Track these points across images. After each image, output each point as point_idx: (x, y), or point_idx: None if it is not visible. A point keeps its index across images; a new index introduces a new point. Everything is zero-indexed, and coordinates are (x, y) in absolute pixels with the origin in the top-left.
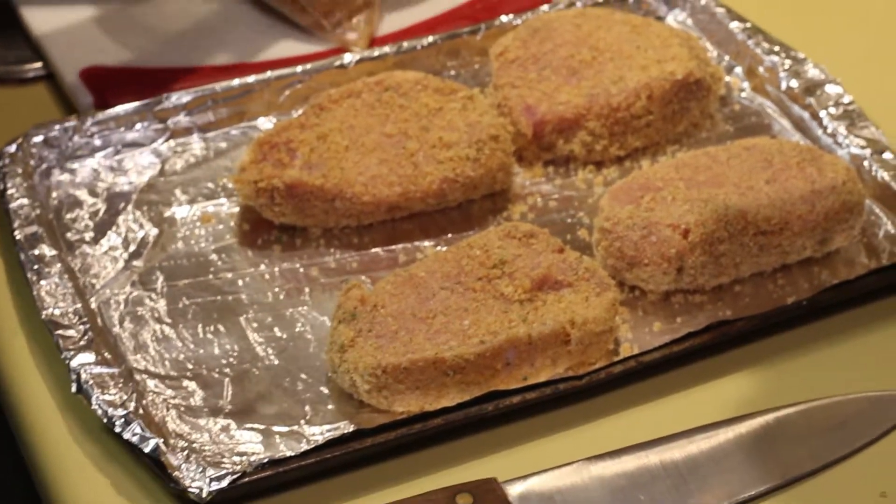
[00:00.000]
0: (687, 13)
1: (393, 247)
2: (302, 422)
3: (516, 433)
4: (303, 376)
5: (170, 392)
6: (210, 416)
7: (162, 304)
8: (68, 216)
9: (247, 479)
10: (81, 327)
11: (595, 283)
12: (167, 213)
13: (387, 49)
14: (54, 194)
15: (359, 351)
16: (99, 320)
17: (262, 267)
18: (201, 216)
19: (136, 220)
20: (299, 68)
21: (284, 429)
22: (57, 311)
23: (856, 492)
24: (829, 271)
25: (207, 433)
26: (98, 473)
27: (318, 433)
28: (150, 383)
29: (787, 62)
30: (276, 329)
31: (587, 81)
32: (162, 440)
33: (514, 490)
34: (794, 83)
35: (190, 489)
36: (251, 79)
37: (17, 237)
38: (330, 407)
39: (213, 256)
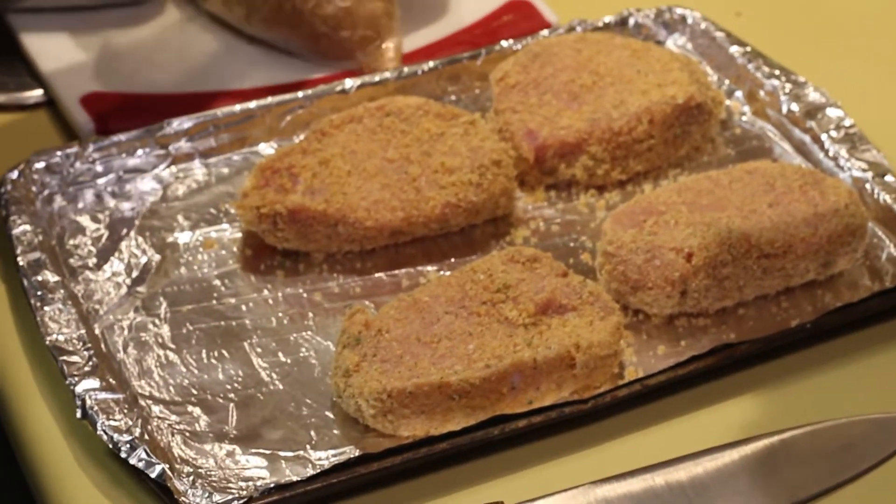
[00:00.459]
0: (686, 37)
1: (396, 272)
2: (307, 446)
3: (522, 457)
4: (307, 401)
5: (175, 417)
6: (215, 442)
7: (165, 330)
8: (71, 242)
9: None
10: (86, 353)
11: (599, 307)
12: (170, 239)
13: (387, 74)
14: (57, 220)
15: (364, 376)
16: (103, 346)
17: (266, 292)
18: (204, 242)
19: (139, 246)
20: (300, 94)
21: (290, 454)
22: (61, 337)
23: None
24: (833, 294)
25: (213, 458)
26: (103, 499)
27: (323, 458)
28: (155, 409)
29: (788, 86)
30: (280, 354)
31: (588, 106)
32: (168, 465)
33: None
34: (795, 107)
35: None
36: (252, 104)
37: (20, 263)
38: (335, 431)
39: (217, 282)
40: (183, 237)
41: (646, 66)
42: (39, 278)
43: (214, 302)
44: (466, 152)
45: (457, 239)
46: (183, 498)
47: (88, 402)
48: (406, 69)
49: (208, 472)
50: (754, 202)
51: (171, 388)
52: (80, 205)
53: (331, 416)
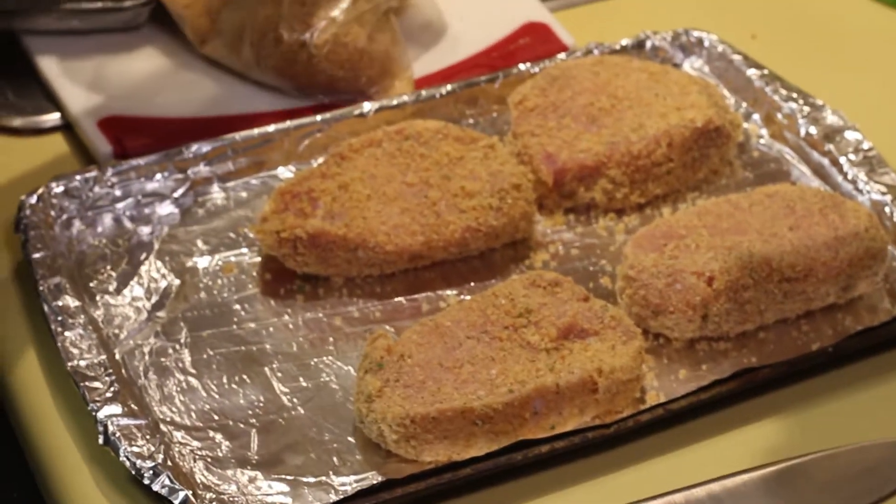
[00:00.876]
0: (703, 60)
1: (416, 296)
2: (330, 472)
3: (545, 482)
4: (329, 426)
5: (196, 443)
6: (237, 467)
7: (186, 355)
8: (90, 267)
9: None
10: (107, 379)
11: (621, 332)
12: (189, 264)
13: (405, 98)
14: (76, 245)
15: (386, 401)
16: (123, 371)
17: (286, 317)
18: (223, 266)
19: (158, 271)
20: (318, 117)
21: (312, 479)
22: (82, 363)
23: None
24: (853, 317)
25: (235, 484)
26: None
27: (346, 483)
28: (177, 434)
29: (806, 108)
30: (301, 379)
31: (607, 129)
32: (191, 492)
33: None
34: (813, 129)
35: None
36: (271, 128)
37: (41, 288)
38: (357, 457)
39: (236, 306)
40: (202, 262)
41: (664, 89)
42: (60, 303)
43: (234, 327)
44: (486, 176)
45: (476, 263)
46: None
47: (111, 428)
48: (424, 92)
49: (231, 499)
50: (775, 226)
51: (193, 414)
52: (99, 229)
53: (353, 441)
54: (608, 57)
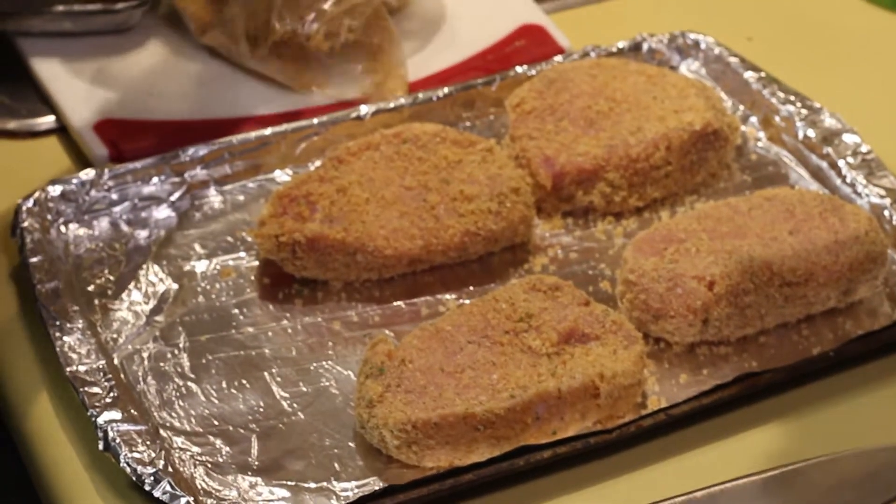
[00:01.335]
0: (700, 63)
1: (415, 300)
2: (331, 478)
3: (547, 487)
4: (330, 431)
5: (196, 449)
6: (238, 473)
7: (185, 360)
8: (88, 271)
9: None
10: (106, 384)
11: (622, 336)
12: (187, 268)
13: (402, 101)
14: (72, 249)
15: (388, 406)
16: (122, 376)
17: (285, 321)
18: (221, 270)
19: (156, 275)
20: (315, 120)
21: (313, 485)
22: (82, 368)
23: None
24: (853, 321)
25: (236, 490)
26: None
27: (347, 489)
28: (177, 440)
29: (804, 111)
30: (301, 384)
31: (605, 132)
32: (192, 498)
33: None
34: (811, 132)
35: None
36: (268, 131)
37: (38, 293)
38: (359, 462)
39: (235, 311)
40: (200, 266)
41: (662, 92)
42: (57, 308)
43: (233, 331)
44: (485, 180)
45: (475, 267)
46: None
47: (111, 433)
48: (420, 95)
49: None
50: (775, 229)
51: (193, 419)
52: (96, 233)
53: (353, 446)
54: (605, 59)
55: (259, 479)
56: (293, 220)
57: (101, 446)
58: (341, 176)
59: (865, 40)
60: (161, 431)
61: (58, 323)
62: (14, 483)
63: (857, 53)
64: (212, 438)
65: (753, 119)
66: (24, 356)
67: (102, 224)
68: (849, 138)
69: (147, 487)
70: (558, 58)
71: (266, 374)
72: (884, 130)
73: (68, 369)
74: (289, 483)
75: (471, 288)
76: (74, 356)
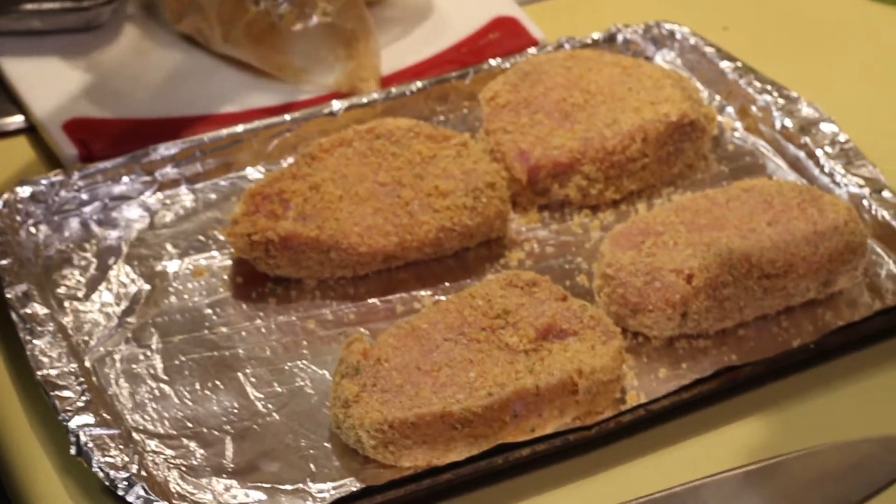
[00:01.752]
0: (675, 53)
1: (390, 297)
2: (307, 479)
3: (526, 485)
4: (305, 432)
5: (170, 452)
6: (213, 476)
7: (158, 361)
8: (58, 273)
9: None
10: (78, 387)
11: (600, 332)
12: (158, 268)
13: (375, 96)
14: (42, 250)
15: (364, 406)
16: (94, 379)
17: (258, 321)
18: (193, 270)
19: (128, 276)
20: (287, 116)
21: (289, 487)
22: (53, 372)
23: None
24: (833, 313)
25: (211, 493)
26: None
27: (324, 490)
28: (150, 443)
29: (780, 101)
30: (275, 384)
31: (580, 125)
32: (166, 502)
33: None
34: (789, 122)
35: None
36: (239, 128)
37: (8, 296)
38: (335, 463)
39: (208, 311)
40: (172, 265)
41: (637, 83)
42: (28, 311)
43: (206, 332)
44: (459, 175)
45: (450, 262)
46: None
47: (83, 438)
48: (393, 90)
49: None
50: (753, 221)
51: (166, 422)
52: (66, 234)
53: (329, 447)
54: (580, 51)
55: (234, 482)
56: (266, 219)
57: (73, 451)
58: (314, 173)
59: (842, 29)
60: (134, 435)
61: (28, 326)
62: None
63: (833, 42)
64: (185, 441)
65: (730, 109)
66: None
67: (73, 225)
68: (826, 127)
69: (120, 492)
70: (532, 50)
71: (240, 374)
72: (862, 119)
73: (39, 373)
74: (264, 485)
75: (446, 284)
76: (45, 360)
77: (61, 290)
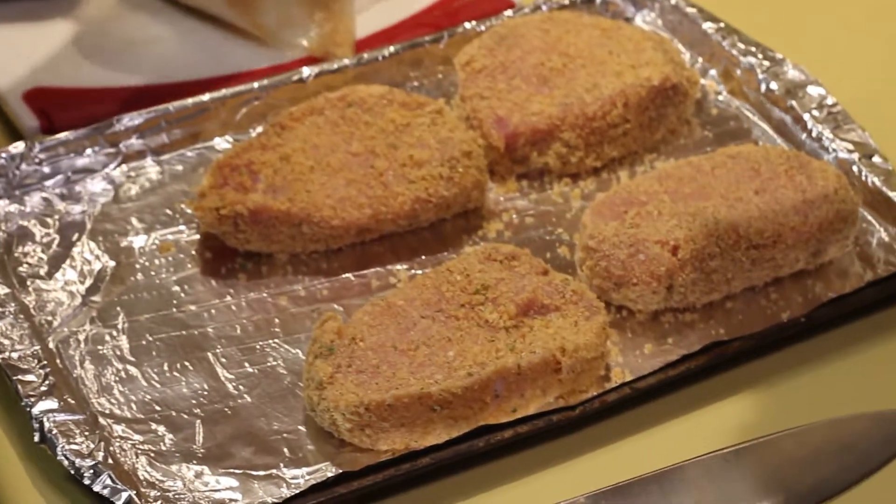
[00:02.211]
0: (656, 14)
1: (364, 271)
2: (280, 464)
3: (509, 468)
4: (278, 415)
5: (138, 437)
6: (182, 462)
7: (124, 342)
8: (19, 250)
9: None
10: (41, 371)
11: (583, 307)
12: (124, 243)
13: (346, 61)
14: (3, 226)
15: (339, 388)
16: (58, 361)
17: (228, 298)
18: (160, 245)
19: (92, 252)
20: (255, 84)
21: (262, 473)
22: (15, 355)
23: None
24: (823, 283)
25: (181, 480)
26: None
27: (298, 476)
28: (117, 428)
29: (765, 63)
30: (246, 364)
31: (560, 90)
32: (135, 492)
33: None
34: (774, 85)
35: None
36: (206, 97)
37: None
38: (309, 447)
39: (176, 288)
40: (138, 241)
41: (617, 46)
42: None
43: (174, 310)
44: (435, 144)
45: (426, 234)
46: None
47: (47, 424)
48: (366, 55)
49: (177, 496)
50: (740, 189)
51: (133, 406)
52: (28, 209)
53: (303, 430)
54: (557, 13)
55: (205, 468)
56: (235, 191)
57: (36, 438)
58: (284, 143)
59: None
60: (100, 419)
61: None
62: None
63: (819, 2)
64: (154, 425)
65: (713, 72)
66: None
67: (34, 199)
68: (813, 90)
69: (86, 481)
70: (508, 12)
71: (210, 354)
72: (850, 82)
73: (0, 356)
74: (236, 471)
75: (423, 257)
76: (7, 342)
77: (23, 268)
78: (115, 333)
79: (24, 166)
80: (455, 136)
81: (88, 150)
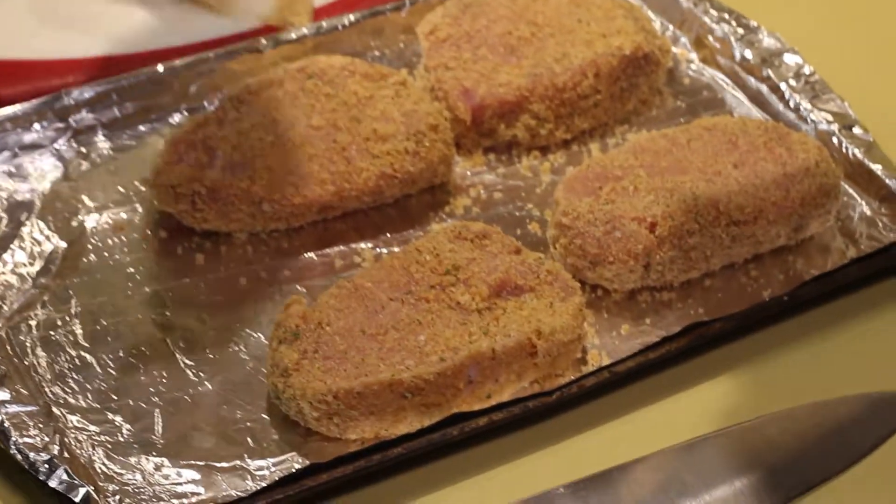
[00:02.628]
0: None
1: (327, 250)
2: (244, 455)
3: (484, 456)
4: (241, 402)
5: (94, 428)
6: (141, 454)
7: (77, 327)
8: None
9: None
10: None
11: (559, 287)
12: (75, 223)
13: (305, 31)
14: None
15: (305, 375)
16: (9, 349)
17: (186, 279)
18: (113, 225)
19: (42, 232)
20: (211, 54)
21: (225, 464)
22: None
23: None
24: (804, 259)
25: (140, 473)
26: None
27: (264, 467)
28: (72, 419)
29: (739, 31)
30: (207, 350)
31: (528, 60)
32: (92, 487)
33: None
34: (749, 53)
35: None
36: (159, 68)
37: None
38: (274, 437)
39: (130, 269)
40: (90, 220)
41: (587, 13)
42: None
43: (129, 292)
44: (400, 117)
45: (391, 211)
46: None
47: None
48: (325, 24)
49: (137, 490)
50: (718, 163)
51: (89, 394)
52: None
53: (267, 418)
54: None
55: (165, 460)
56: (191, 168)
57: None
58: (242, 117)
59: None
60: (54, 409)
61: None
62: None
63: None
64: (111, 415)
65: (684, 40)
66: None
67: None
68: (790, 59)
69: (42, 476)
70: None
71: (168, 339)
72: (827, 50)
73: None
74: (198, 463)
75: (388, 235)
76: None
77: None
78: (67, 318)
79: None
80: (420, 109)
81: (36, 125)
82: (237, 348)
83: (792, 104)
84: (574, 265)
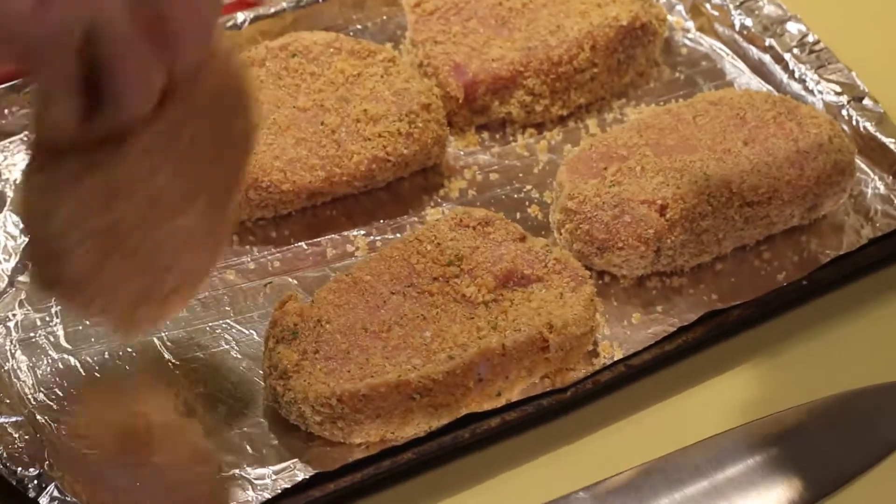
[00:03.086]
0: None
1: (318, 239)
2: (244, 464)
3: (497, 458)
4: (236, 405)
5: (83, 438)
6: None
7: (59, 328)
8: None
9: None
10: None
11: (568, 276)
12: None
13: (283, 4)
14: None
15: (306, 377)
16: None
17: None
18: None
19: (16, 225)
20: None
21: (224, 474)
22: None
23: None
24: (818, 239)
25: None
26: None
27: (265, 476)
28: (59, 428)
29: None
30: (196, 349)
31: (521, 33)
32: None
33: None
34: (749, 21)
35: None
36: None
37: None
38: (273, 442)
39: None
40: None
41: None
42: None
43: None
44: (390, 96)
45: (383, 196)
46: None
47: None
48: None
49: None
50: (727, 140)
51: (74, 401)
52: None
53: (265, 422)
54: None
55: None
56: None
57: None
58: None
59: None
60: (38, 417)
61: None
62: None
63: None
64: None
65: (679, 7)
66: None
67: None
68: (793, 27)
69: (31, 494)
70: None
71: (154, 339)
72: (832, 16)
73: None
74: None
75: (381, 221)
76: None
77: None
78: (48, 318)
79: None
80: (412, 87)
81: (6, 111)
82: (228, 346)
83: (797, 75)
84: (581, 251)
